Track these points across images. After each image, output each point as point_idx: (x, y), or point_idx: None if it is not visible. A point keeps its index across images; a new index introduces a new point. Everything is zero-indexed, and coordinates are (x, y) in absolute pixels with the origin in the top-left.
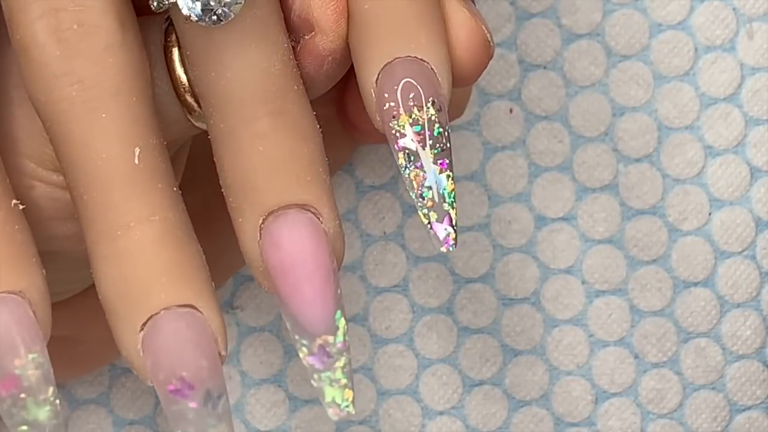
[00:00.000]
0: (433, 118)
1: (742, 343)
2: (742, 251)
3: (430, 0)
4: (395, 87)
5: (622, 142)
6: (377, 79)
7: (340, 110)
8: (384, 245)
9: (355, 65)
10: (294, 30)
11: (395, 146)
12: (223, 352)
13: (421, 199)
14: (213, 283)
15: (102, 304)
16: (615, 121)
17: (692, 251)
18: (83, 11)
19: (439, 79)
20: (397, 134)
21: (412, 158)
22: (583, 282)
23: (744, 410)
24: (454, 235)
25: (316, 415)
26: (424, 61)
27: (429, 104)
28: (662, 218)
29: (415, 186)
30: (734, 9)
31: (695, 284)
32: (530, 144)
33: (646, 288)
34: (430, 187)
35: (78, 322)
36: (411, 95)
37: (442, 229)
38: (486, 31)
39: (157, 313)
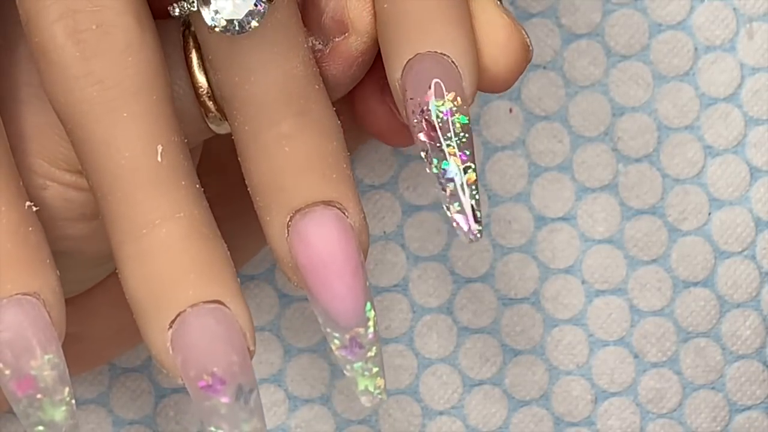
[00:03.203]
0: (453, 110)
1: (742, 343)
2: (742, 251)
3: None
4: (416, 81)
5: (622, 142)
6: (402, 75)
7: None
8: (384, 245)
9: (384, 63)
10: (325, 32)
11: (417, 139)
12: (252, 347)
13: (443, 192)
14: (238, 279)
15: (129, 304)
16: (615, 120)
17: (692, 251)
18: (101, 12)
19: (461, 72)
20: (419, 127)
21: (433, 151)
22: (583, 282)
23: (743, 410)
24: (477, 227)
25: (316, 415)
26: (445, 55)
27: (449, 98)
28: (662, 218)
29: (438, 178)
30: (734, 9)
31: (695, 284)
32: (530, 144)
33: (646, 288)
34: (452, 180)
35: (81, 318)
36: (431, 89)
37: (464, 221)
38: (525, 35)
39: (185, 310)
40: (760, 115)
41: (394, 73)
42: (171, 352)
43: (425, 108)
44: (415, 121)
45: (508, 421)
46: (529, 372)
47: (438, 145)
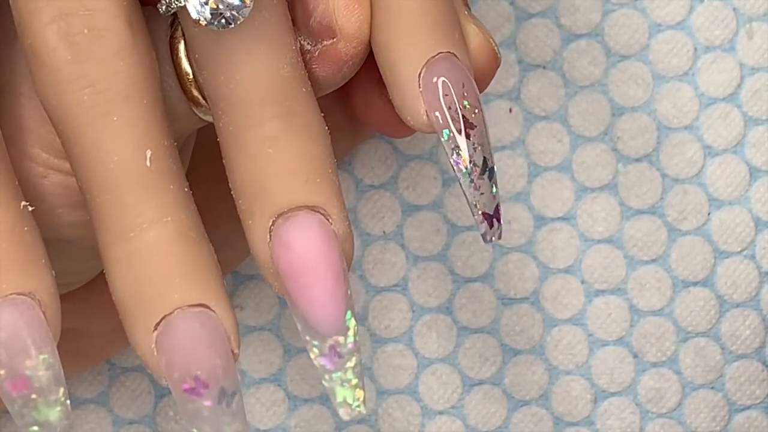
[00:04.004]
0: (478, 111)
1: (742, 342)
2: (742, 251)
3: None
4: (444, 82)
5: (622, 142)
6: (421, 74)
7: (343, 101)
8: (383, 245)
9: (390, 61)
10: (313, 35)
11: (450, 140)
12: (236, 351)
13: (474, 191)
14: (225, 283)
15: (116, 305)
16: (614, 120)
17: (691, 251)
18: (93, 15)
19: (471, 74)
20: (452, 127)
21: (466, 151)
22: (583, 281)
23: (743, 410)
24: (500, 224)
25: (316, 414)
26: (457, 57)
27: (474, 98)
28: (661, 218)
29: (469, 178)
30: (734, 9)
31: (694, 284)
32: (530, 144)
33: (646, 287)
34: (482, 178)
35: (82, 314)
36: (461, 89)
37: (492, 219)
38: (494, 44)
39: (170, 313)
40: (759, 115)
41: (410, 73)
42: (156, 354)
43: (460, 106)
44: (446, 122)
45: (508, 421)
46: (528, 372)
47: (468, 145)
